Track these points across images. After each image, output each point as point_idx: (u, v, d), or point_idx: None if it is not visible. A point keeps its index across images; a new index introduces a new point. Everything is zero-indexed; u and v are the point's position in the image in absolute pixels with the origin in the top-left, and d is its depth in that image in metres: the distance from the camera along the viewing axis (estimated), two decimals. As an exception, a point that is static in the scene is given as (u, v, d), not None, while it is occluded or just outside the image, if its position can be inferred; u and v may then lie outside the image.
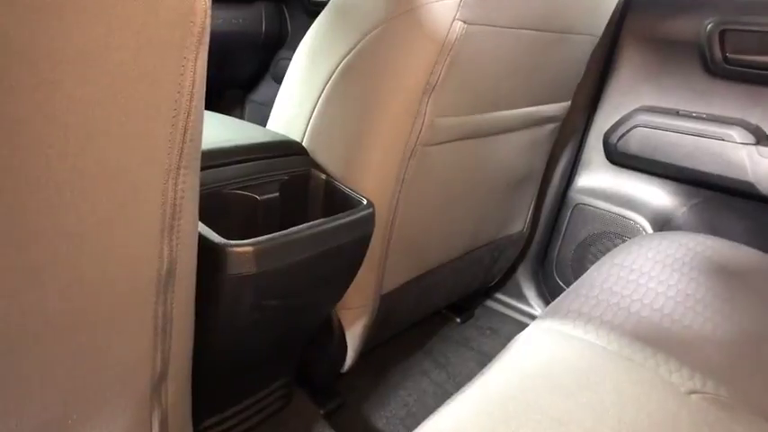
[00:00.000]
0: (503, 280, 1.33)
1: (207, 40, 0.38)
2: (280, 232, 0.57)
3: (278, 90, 0.81)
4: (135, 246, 0.42)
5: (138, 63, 0.34)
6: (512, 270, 1.33)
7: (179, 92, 0.38)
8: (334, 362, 0.87)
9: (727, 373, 0.61)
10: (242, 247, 0.54)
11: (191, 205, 0.46)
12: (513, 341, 0.65)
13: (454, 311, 1.26)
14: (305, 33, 0.78)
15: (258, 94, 1.84)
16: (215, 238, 0.54)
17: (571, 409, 0.50)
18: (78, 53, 0.32)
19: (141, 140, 0.38)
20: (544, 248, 1.32)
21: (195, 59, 0.38)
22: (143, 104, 0.36)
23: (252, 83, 1.87)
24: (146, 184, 0.40)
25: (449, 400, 0.54)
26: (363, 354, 0.90)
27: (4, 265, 0.36)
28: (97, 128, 0.35)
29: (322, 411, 0.90)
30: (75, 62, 0.32)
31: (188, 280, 0.50)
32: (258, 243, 0.55)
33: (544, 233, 1.30)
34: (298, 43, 0.79)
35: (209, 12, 0.37)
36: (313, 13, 1.59)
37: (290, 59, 0.79)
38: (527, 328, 0.67)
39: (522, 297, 1.33)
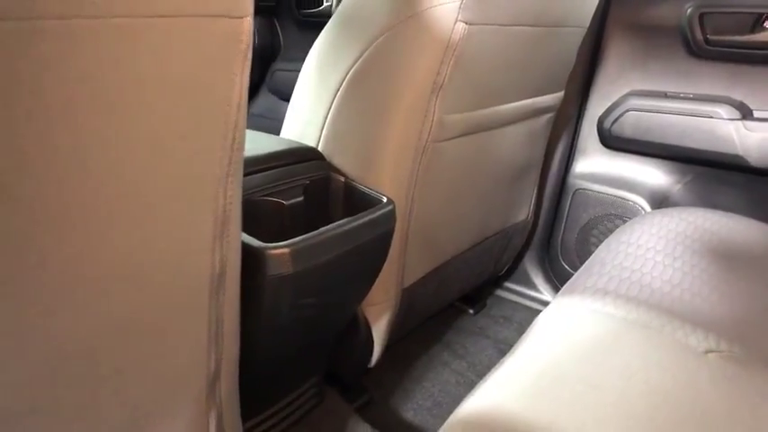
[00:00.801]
0: (511, 269, 1.37)
1: (250, 55, 0.42)
2: (312, 233, 0.61)
3: (274, 101, 0.85)
4: (193, 253, 0.46)
5: (196, 82, 0.38)
6: (519, 258, 1.37)
7: (228, 105, 0.42)
8: (362, 358, 0.90)
9: (738, 333, 0.65)
10: (279, 249, 0.57)
11: (236, 211, 0.49)
12: (534, 322, 0.69)
13: (467, 303, 1.29)
14: (297, 44, 0.81)
15: (255, 106, 1.87)
16: (254, 242, 0.57)
17: (602, 374, 0.54)
18: (141, 76, 0.35)
19: (200, 153, 0.41)
20: (548, 235, 1.36)
21: (241, 74, 0.41)
22: (201, 119, 0.39)
23: (248, 95, 1.90)
24: (202, 193, 0.43)
25: (481, 382, 0.58)
26: (386, 349, 0.94)
27: (77, 276, 0.39)
28: (161, 145, 0.38)
29: (353, 407, 0.93)
30: (140, 84, 0.35)
31: (235, 283, 0.53)
32: (294, 244, 0.58)
33: (547, 220, 1.34)
34: (291, 54, 0.82)
35: (252, 29, 0.41)
36: (304, 25, 1.62)
37: (286, 70, 0.83)
38: (547, 308, 0.71)
39: (530, 284, 1.37)
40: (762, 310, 0.72)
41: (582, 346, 0.59)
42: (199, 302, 0.49)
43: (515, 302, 1.37)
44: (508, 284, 1.40)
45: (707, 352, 0.60)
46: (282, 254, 0.57)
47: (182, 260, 0.45)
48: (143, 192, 0.39)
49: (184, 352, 0.49)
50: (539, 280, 1.37)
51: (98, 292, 0.41)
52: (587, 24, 1.02)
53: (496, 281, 1.38)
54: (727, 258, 0.83)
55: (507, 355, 0.63)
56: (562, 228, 1.33)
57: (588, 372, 0.55)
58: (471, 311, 1.28)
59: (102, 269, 0.40)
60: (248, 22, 0.39)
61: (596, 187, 1.29)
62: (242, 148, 0.46)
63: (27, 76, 0.29)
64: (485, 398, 0.54)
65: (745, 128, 1.08)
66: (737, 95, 1.12)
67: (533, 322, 0.69)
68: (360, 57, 0.74)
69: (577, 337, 0.61)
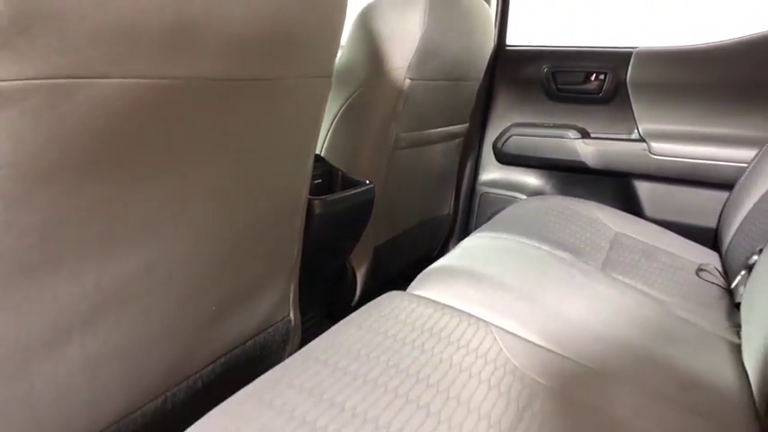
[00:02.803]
0: (440, 253, 1.87)
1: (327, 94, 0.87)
2: (330, 195, 1.06)
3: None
4: (298, 201, 0.89)
5: (303, 122, 0.82)
6: (445, 244, 1.87)
7: (317, 131, 0.86)
8: (349, 296, 1.34)
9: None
10: (317, 200, 1.02)
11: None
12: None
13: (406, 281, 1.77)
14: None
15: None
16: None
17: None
18: (287, 115, 0.79)
19: (304, 160, 0.85)
20: (464, 226, 1.88)
21: (321, 112, 0.86)
22: (310, 139, 0.84)
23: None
24: (302, 180, 0.87)
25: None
26: (363, 292, 1.38)
27: (236, 197, 0.81)
28: (299, 153, 0.82)
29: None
30: (284, 119, 0.80)
31: (304, 212, 0.96)
32: (322, 199, 1.03)
33: (462, 215, 1.86)
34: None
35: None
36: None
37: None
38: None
39: (454, 262, 1.87)
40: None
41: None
42: (295, 220, 0.91)
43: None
44: (438, 265, 1.89)
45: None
46: (318, 202, 1.02)
47: (296, 204, 0.88)
48: (286, 183, 0.82)
49: (283, 245, 0.92)
50: (460, 259, 1.88)
51: (252, 232, 0.83)
52: (481, 77, 1.57)
53: (429, 260, 1.87)
54: (574, 224, 1.36)
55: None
56: (474, 221, 1.86)
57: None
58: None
59: (258, 205, 0.83)
60: (330, 80, 0.85)
61: (495, 190, 1.83)
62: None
63: (233, 122, 0.73)
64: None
65: (585, 144, 1.66)
66: (579, 123, 1.71)
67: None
68: (348, 98, 1.22)
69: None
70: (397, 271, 1.62)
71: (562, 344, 0.76)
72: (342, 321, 0.74)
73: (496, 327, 0.76)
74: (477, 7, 1.38)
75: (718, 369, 0.79)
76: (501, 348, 0.71)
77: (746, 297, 0.94)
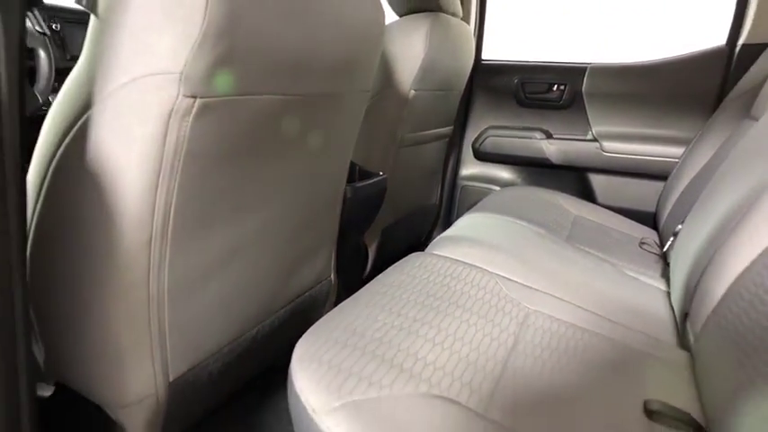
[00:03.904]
0: (428, 236, 2.15)
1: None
2: (359, 182, 1.32)
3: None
4: (340, 187, 1.15)
5: (350, 126, 1.08)
6: (432, 230, 2.15)
7: (355, 137, 1.12)
8: (361, 269, 1.61)
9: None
10: (349, 186, 1.28)
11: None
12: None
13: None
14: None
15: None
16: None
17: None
18: (340, 127, 1.06)
19: (347, 156, 1.11)
20: (447, 214, 2.17)
21: (360, 118, 1.13)
22: (350, 146, 1.10)
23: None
24: (344, 172, 1.13)
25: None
26: (372, 270, 1.65)
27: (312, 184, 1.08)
28: (348, 151, 1.09)
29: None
30: (339, 130, 1.06)
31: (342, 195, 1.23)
32: (354, 185, 1.30)
33: (446, 205, 2.15)
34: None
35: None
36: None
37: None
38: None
39: (439, 245, 2.17)
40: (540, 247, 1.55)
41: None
42: (337, 201, 1.17)
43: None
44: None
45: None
46: (349, 188, 1.28)
47: (339, 188, 1.14)
48: (336, 172, 1.08)
49: (330, 220, 1.17)
50: (444, 243, 2.17)
51: (315, 204, 1.09)
52: (463, 87, 1.86)
53: (420, 243, 2.16)
54: (539, 206, 1.67)
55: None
56: (456, 210, 2.15)
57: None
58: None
59: (320, 188, 1.09)
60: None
61: (473, 184, 2.13)
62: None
63: (314, 126, 0.99)
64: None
65: (549, 143, 1.98)
66: (544, 126, 2.03)
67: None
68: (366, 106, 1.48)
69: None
70: (397, 250, 1.89)
71: (543, 286, 1.05)
72: (385, 272, 1.01)
73: (496, 274, 1.04)
74: (462, 30, 1.67)
75: (653, 305, 1.10)
76: (501, 287, 0.99)
77: (672, 256, 1.25)
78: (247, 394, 1.19)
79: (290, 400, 0.65)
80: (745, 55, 1.75)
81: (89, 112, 0.65)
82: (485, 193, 2.11)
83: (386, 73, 1.44)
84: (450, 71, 1.62)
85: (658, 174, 1.86)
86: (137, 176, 0.65)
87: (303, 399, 0.61)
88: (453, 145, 2.11)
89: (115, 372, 0.72)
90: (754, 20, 1.72)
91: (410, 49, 1.42)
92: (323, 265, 1.18)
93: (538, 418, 0.65)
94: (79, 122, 0.65)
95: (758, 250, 0.74)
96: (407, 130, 1.55)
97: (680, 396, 0.75)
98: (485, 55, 2.10)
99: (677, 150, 1.82)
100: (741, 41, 1.77)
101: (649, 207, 1.88)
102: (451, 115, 1.89)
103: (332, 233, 1.19)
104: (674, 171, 1.72)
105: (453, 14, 1.64)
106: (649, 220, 1.83)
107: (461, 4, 1.79)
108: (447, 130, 1.88)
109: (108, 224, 0.66)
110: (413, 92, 1.47)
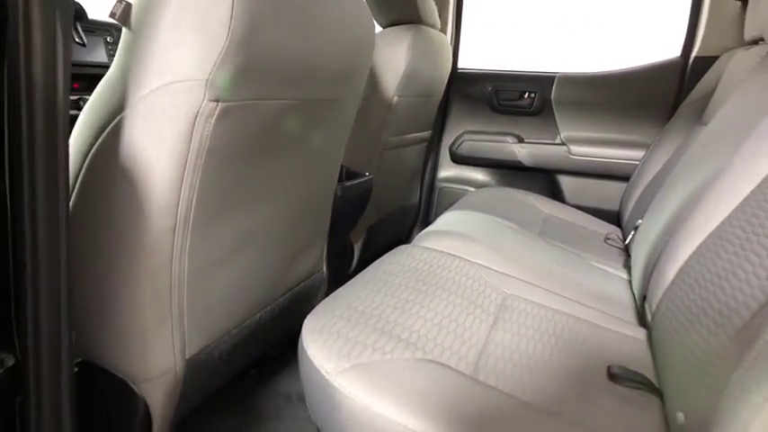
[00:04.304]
0: (408, 236, 2.26)
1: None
2: (347, 181, 1.42)
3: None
4: (333, 184, 1.25)
5: (343, 129, 1.18)
6: (412, 228, 2.26)
7: (346, 138, 1.22)
8: (348, 265, 1.70)
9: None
10: (339, 185, 1.38)
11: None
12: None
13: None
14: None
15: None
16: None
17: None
18: (335, 129, 1.15)
19: (339, 153, 1.21)
20: (426, 213, 2.28)
21: (352, 121, 1.23)
22: (342, 147, 1.20)
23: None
24: (337, 167, 1.23)
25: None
26: (357, 265, 1.74)
27: (310, 183, 1.17)
28: (332, 163, 1.19)
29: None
30: (334, 132, 1.15)
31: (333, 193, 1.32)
32: (343, 184, 1.39)
33: (425, 205, 2.26)
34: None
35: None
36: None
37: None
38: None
39: (419, 244, 2.28)
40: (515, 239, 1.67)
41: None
42: (329, 198, 1.26)
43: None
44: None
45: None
46: (339, 186, 1.37)
47: (331, 186, 1.23)
48: (329, 171, 1.18)
49: (323, 215, 1.26)
50: (423, 242, 2.28)
51: (317, 194, 1.18)
52: (441, 94, 1.98)
53: (402, 242, 2.25)
54: (510, 204, 1.79)
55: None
56: (434, 209, 2.27)
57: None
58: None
59: (315, 185, 1.18)
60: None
61: (450, 185, 2.25)
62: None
63: (313, 128, 1.09)
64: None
65: (521, 147, 2.11)
66: (516, 131, 2.16)
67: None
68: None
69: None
70: (380, 247, 1.99)
71: (519, 274, 1.16)
72: (375, 262, 1.11)
73: (476, 263, 1.15)
74: (441, 40, 1.79)
75: (617, 291, 1.22)
76: (482, 275, 1.10)
77: (633, 248, 1.38)
78: (245, 380, 1.27)
79: (303, 367, 0.74)
80: (698, 66, 1.91)
81: (122, 114, 0.73)
82: (461, 194, 2.22)
83: (372, 80, 1.55)
84: (429, 79, 1.73)
85: (621, 175, 2.00)
86: (165, 171, 0.73)
87: (316, 363, 0.70)
88: (432, 148, 2.22)
89: (140, 349, 0.80)
90: (704, 35, 1.88)
91: (394, 59, 1.53)
92: (316, 257, 1.27)
93: (517, 380, 0.75)
94: (113, 123, 0.73)
95: (704, 236, 0.86)
96: (390, 134, 1.65)
97: (638, 363, 0.87)
98: (461, 64, 2.22)
99: (638, 153, 1.97)
100: (694, 54, 1.93)
101: (613, 206, 2.02)
102: (430, 120, 2.00)
103: (324, 228, 1.28)
104: (635, 172, 1.86)
105: (432, 26, 1.75)
106: (613, 217, 1.97)
107: (439, 16, 1.90)
108: (426, 134, 2.00)
109: (137, 213, 0.74)
110: (396, 98, 1.57)
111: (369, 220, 1.71)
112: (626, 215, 1.76)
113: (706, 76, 1.78)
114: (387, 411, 0.63)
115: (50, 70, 0.57)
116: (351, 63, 1.00)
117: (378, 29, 1.62)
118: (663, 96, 1.99)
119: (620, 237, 1.71)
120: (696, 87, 1.81)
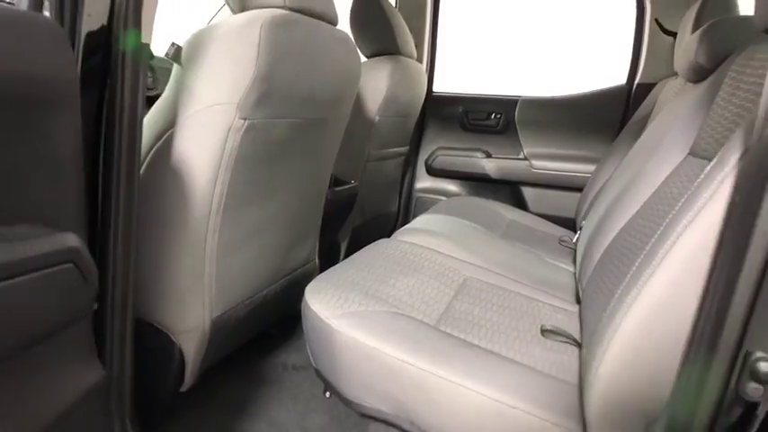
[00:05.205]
0: (387, 240, 2.51)
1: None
2: (336, 187, 1.67)
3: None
4: (323, 195, 1.50)
5: (334, 142, 1.44)
6: (391, 232, 2.51)
7: (336, 150, 1.48)
8: (334, 263, 1.94)
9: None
10: (329, 190, 1.63)
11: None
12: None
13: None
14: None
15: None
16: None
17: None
18: (328, 142, 1.41)
19: (330, 169, 1.47)
20: (404, 220, 2.53)
21: (341, 136, 1.49)
22: (333, 157, 1.46)
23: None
24: (329, 171, 1.49)
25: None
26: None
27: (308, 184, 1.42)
28: (325, 169, 1.44)
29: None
30: (327, 145, 1.41)
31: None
32: (333, 189, 1.64)
33: (403, 212, 2.52)
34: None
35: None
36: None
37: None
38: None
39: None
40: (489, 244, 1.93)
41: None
42: (322, 198, 1.51)
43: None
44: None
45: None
46: (329, 191, 1.62)
47: (324, 189, 1.49)
48: (323, 175, 1.44)
49: (316, 213, 1.50)
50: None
51: (311, 193, 1.43)
52: (417, 115, 2.25)
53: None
54: (478, 212, 2.06)
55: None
56: (411, 217, 2.52)
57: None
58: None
59: (312, 187, 1.43)
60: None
61: (427, 195, 2.52)
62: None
63: (312, 142, 1.34)
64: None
65: (488, 161, 2.39)
66: (484, 147, 2.44)
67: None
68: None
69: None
70: (363, 246, 2.23)
71: (479, 263, 1.42)
72: (360, 250, 1.35)
73: (444, 254, 1.40)
74: (416, 68, 2.07)
75: (562, 279, 1.48)
76: (447, 262, 1.35)
77: (578, 245, 1.65)
78: (248, 353, 1.50)
79: (306, 319, 0.99)
80: (640, 91, 2.21)
81: (172, 129, 0.98)
82: (436, 203, 2.49)
83: (357, 103, 1.81)
84: (406, 102, 2.00)
85: (576, 186, 2.29)
86: (204, 171, 0.98)
87: (317, 311, 0.95)
88: (409, 162, 2.49)
89: (179, 307, 1.04)
90: (645, 65, 2.19)
91: (376, 85, 1.80)
92: (310, 248, 1.52)
93: (469, 332, 1.01)
94: (166, 134, 0.98)
95: (620, 226, 1.13)
96: (373, 148, 1.91)
97: (568, 326, 1.12)
98: (435, 88, 2.50)
99: (590, 167, 2.26)
100: (636, 81, 2.23)
101: (570, 213, 2.30)
102: (408, 137, 2.27)
103: (317, 223, 1.53)
104: (588, 184, 2.14)
105: (409, 56, 2.03)
106: (570, 223, 2.25)
107: (416, 47, 2.19)
108: (404, 149, 2.26)
109: (182, 202, 0.98)
110: (378, 117, 1.84)
111: (353, 222, 1.96)
112: (579, 221, 2.03)
113: (646, 101, 2.08)
114: (369, 341, 0.88)
115: (134, 103, 0.81)
116: (341, 90, 1.27)
117: (363, 59, 1.89)
118: (611, 117, 2.29)
119: (574, 240, 1.98)
120: (638, 110, 2.10)
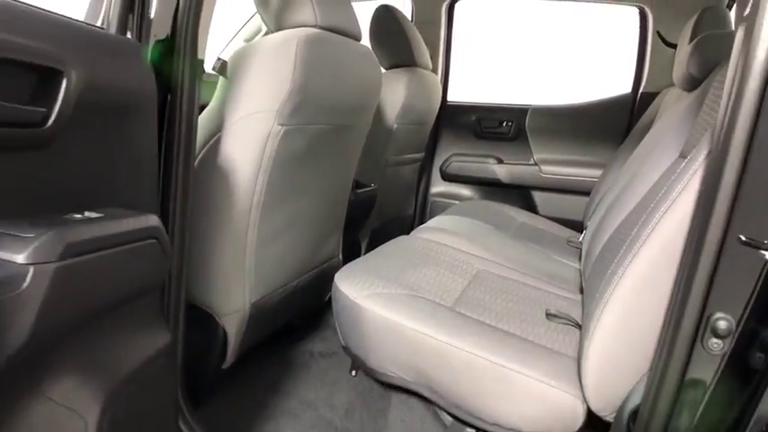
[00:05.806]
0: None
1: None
2: (358, 189, 1.80)
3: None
4: (347, 196, 1.63)
5: (357, 148, 1.57)
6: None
7: (359, 155, 1.62)
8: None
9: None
10: (352, 192, 1.76)
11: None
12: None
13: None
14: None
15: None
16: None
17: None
18: (353, 147, 1.54)
19: (353, 172, 1.60)
20: (420, 222, 2.66)
21: (363, 142, 1.62)
22: (356, 161, 1.59)
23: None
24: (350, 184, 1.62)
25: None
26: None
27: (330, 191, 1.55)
28: (349, 172, 1.58)
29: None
30: (351, 150, 1.55)
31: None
32: (356, 191, 1.78)
33: (419, 215, 2.65)
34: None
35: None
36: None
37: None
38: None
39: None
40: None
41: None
42: (346, 200, 1.64)
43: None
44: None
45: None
46: (352, 193, 1.76)
47: (346, 192, 1.62)
48: (347, 178, 1.57)
49: (341, 213, 1.63)
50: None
51: (336, 193, 1.57)
52: (432, 123, 2.38)
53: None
54: (493, 214, 2.17)
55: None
56: (427, 218, 2.65)
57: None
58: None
59: (338, 189, 1.57)
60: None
61: (441, 199, 2.64)
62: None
63: (338, 146, 1.48)
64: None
65: (500, 167, 2.51)
66: (496, 153, 2.56)
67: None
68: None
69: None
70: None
71: (491, 257, 1.54)
72: (381, 246, 1.48)
73: (459, 249, 1.53)
74: (432, 79, 2.21)
75: (568, 274, 1.59)
76: (461, 256, 1.47)
77: (583, 243, 1.77)
78: (278, 342, 1.63)
79: (335, 300, 1.12)
80: (644, 100, 2.32)
81: (219, 134, 1.12)
82: (450, 207, 2.61)
83: (377, 112, 1.95)
84: (422, 110, 2.14)
85: (583, 190, 2.40)
86: (246, 171, 1.12)
87: (345, 292, 1.08)
88: (425, 168, 2.62)
89: (223, 291, 1.17)
90: (648, 75, 2.31)
91: (394, 95, 1.94)
92: (334, 245, 1.65)
93: (481, 313, 1.13)
94: (213, 139, 1.12)
95: (617, 223, 1.24)
96: (391, 154, 2.05)
97: (571, 312, 1.24)
98: (449, 98, 2.64)
99: (597, 172, 2.37)
100: (641, 90, 2.35)
101: (577, 216, 2.41)
102: (423, 144, 2.40)
103: (341, 222, 1.66)
104: (594, 187, 2.26)
105: (425, 68, 2.17)
106: (577, 226, 2.36)
107: (431, 59, 2.33)
108: (420, 155, 2.39)
109: (227, 198, 1.12)
110: (395, 125, 1.97)
111: (373, 223, 2.09)
112: (586, 223, 2.14)
113: (649, 109, 2.19)
114: (393, 317, 1.01)
115: (190, 111, 0.95)
116: (364, 99, 1.40)
117: (382, 71, 2.03)
118: (617, 124, 2.40)
119: (581, 241, 2.09)
120: (642, 118, 2.21)
